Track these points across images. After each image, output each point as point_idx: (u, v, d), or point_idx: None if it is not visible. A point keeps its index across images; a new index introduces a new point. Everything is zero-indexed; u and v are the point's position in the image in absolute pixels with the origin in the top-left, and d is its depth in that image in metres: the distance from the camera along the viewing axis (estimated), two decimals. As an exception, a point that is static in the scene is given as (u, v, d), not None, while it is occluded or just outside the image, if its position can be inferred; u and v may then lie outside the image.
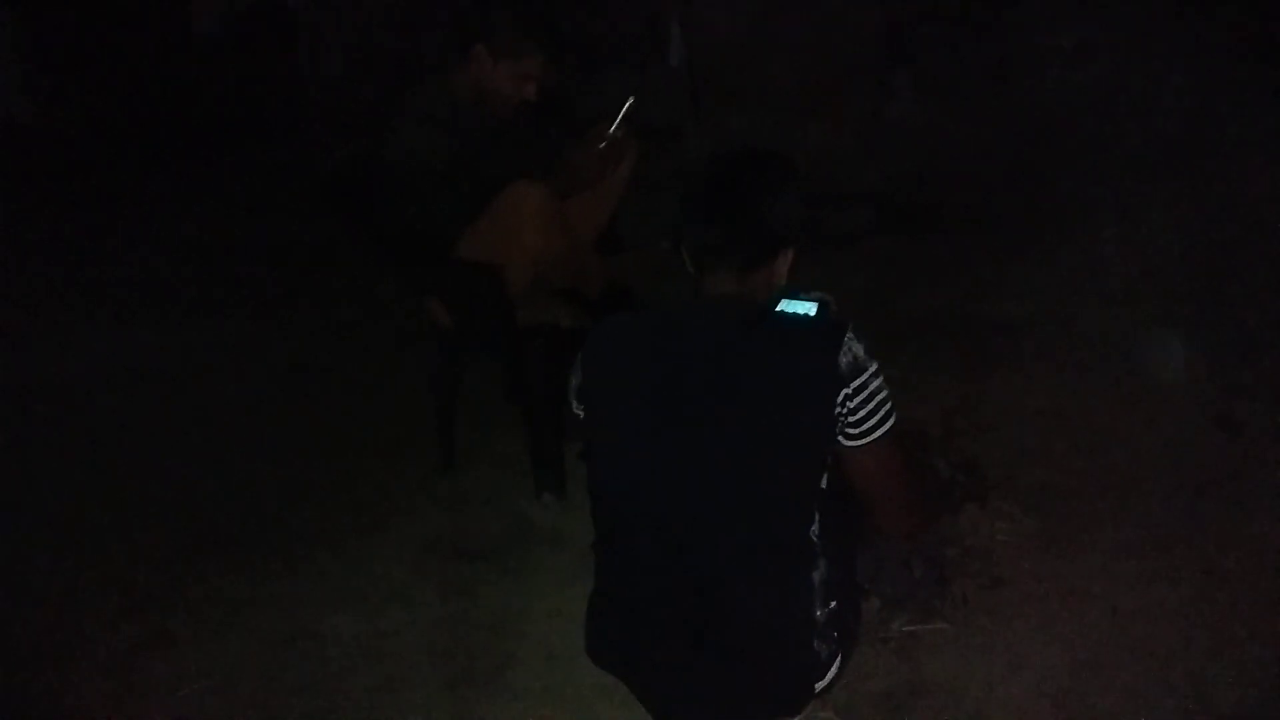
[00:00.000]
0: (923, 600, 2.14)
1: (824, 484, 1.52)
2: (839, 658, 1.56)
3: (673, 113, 4.74)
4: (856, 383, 1.47)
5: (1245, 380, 2.65)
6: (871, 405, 1.48)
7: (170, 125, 4.71)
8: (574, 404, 1.63)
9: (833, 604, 1.53)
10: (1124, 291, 3.10)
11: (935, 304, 3.29)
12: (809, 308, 1.85)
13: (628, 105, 2.35)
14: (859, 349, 1.48)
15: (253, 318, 3.48)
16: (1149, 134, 3.86)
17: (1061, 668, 1.99)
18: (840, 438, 1.50)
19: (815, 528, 1.52)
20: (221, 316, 3.49)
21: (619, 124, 2.36)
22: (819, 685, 1.54)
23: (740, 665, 1.50)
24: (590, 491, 1.60)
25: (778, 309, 1.71)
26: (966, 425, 2.66)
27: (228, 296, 3.61)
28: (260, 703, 2.10)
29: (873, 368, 1.49)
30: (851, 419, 1.48)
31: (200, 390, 3.10)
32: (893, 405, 1.52)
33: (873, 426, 1.49)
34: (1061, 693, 1.94)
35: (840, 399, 1.46)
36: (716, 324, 1.52)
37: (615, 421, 1.55)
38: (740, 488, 1.46)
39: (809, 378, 1.46)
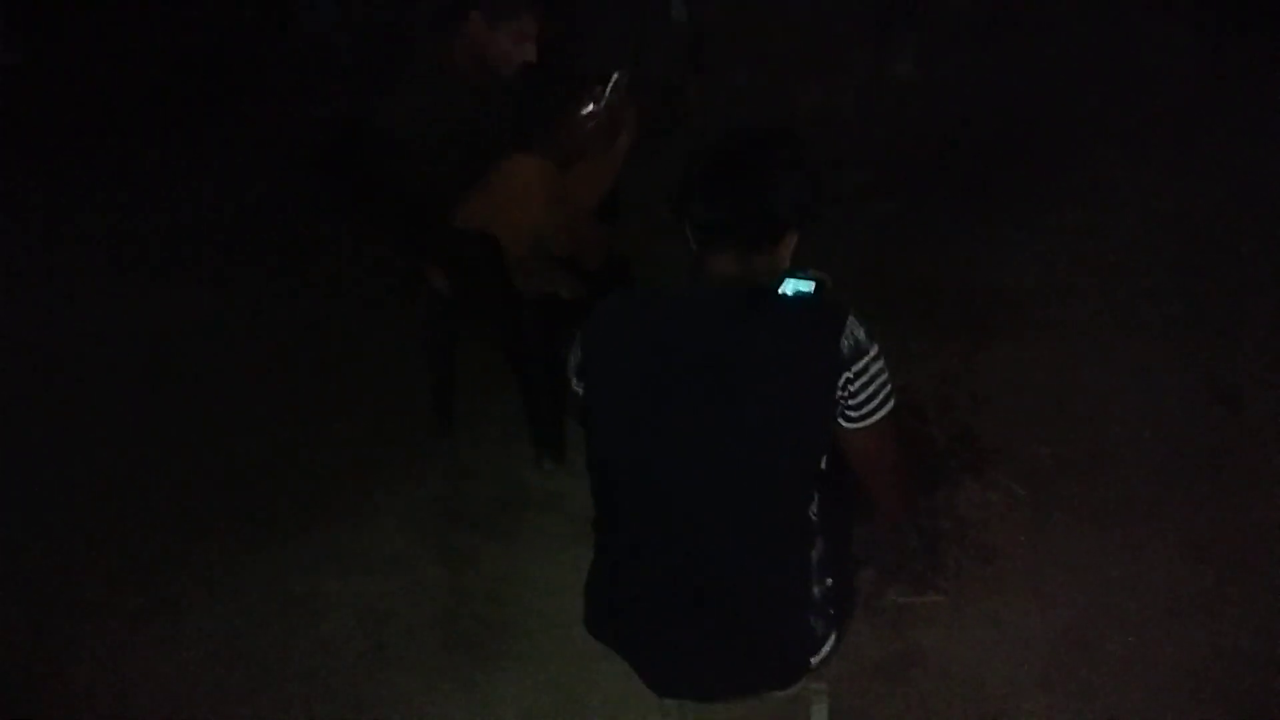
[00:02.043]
0: (917, 572, 2.17)
1: (823, 465, 1.53)
2: (834, 632, 1.58)
3: (675, 68, 4.68)
4: (858, 366, 1.47)
5: (1246, 354, 2.65)
6: (872, 388, 1.49)
7: (163, 79, 4.63)
8: (574, 381, 1.63)
9: (829, 580, 1.55)
10: (1125, 261, 3.09)
11: (934, 270, 3.28)
12: (806, 286, 1.86)
13: (614, 79, 2.30)
14: (860, 333, 1.48)
15: (250, 280, 3.45)
16: (1156, 97, 3.82)
17: (1051, 639, 2.02)
18: (840, 420, 1.50)
19: (814, 506, 1.53)
20: (218, 279, 3.46)
21: (608, 97, 2.31)
22: (814, 660, 1.56)
23: (737, 640, 1.52)
24: (590, 468, 1.61)
25: (780, 291, 1.72)
26: (963, 395, 2.67)
27: (223, 257, 3.57)
28: (260, 665, 2.13)
29: (873, 351, 1.49)
30: (852, 402, 1.48)
31: (197, 355, 3.08)
32: (892, 388, 1.53)
33: (873, 409, 1.50)
34: (1050, 664, 1.97)
35: (842, 382, 1.47)
36: (718, 306, 1.51)
37: (616, 399, 1.55)
38: (741, 468, 1.46)
39: (811, 361, 1.46)
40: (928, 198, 3.65)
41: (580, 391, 1.61)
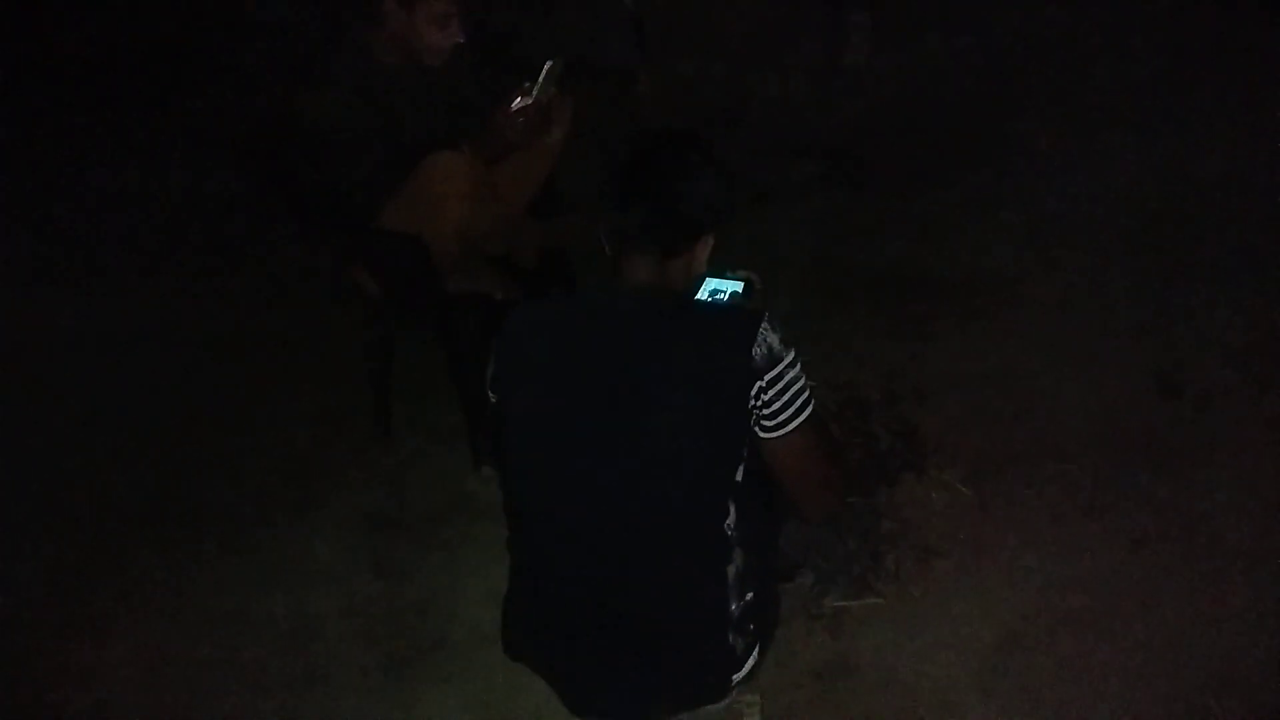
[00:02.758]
0: (855, 575, 2.14)
1: (739, 476, 1.49)
2: (757, 648, 1.55)
3: (626, 55, 4.60)
4: (771, 374, 1.43)
5: (1191, 342, 2.63)
6: (787, 396, 1.45)
7: (106, 63, 4.42)
8: (490, 393, 1.59)
9: (749, 595, 1.52)
10: (1071, 248, 3.06)
11: (882, 261, 3.24)
12: (734, 286, 1.81)
13: (548, 67, 2.22)
14: (774, 340, 1.44)
15: (186, 278, 3.35)
16: (1110, 80, 3.78)
17: (991, 641, 2.00)
18: (756, 429, 1.47)
19: (730, 520, 1.49)
20: (152, 277, 3.35)
21: (541, 86, 2.24)
22: (736, 677, 1.53)
23: (655, 661, 1.49)
24: (501, 485, 1.56)
25: (698, 295, 1.68)
26: (908, 390, 2.63)
27: (158, 254, 3.46)
28: (190, 688, 2.08)
29: (788, 358, 1.45)
30: (766, 411, 1.45)
31: (129, 358, 2.98)
32: (810, 394, 1.49)
33: (789, 418, 1.46)
34: (989, 667, 1.95)
35: (754, 391, 1.43)
36: (632, 314, 1.48)
37: (527, 413, 1.51)
38: (652, 483, 1.42)
39: (722, 371, 1.42)
40: (879, 186, 3.61)
41: (494, 402, 1.57)
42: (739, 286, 1.80)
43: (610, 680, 1.51)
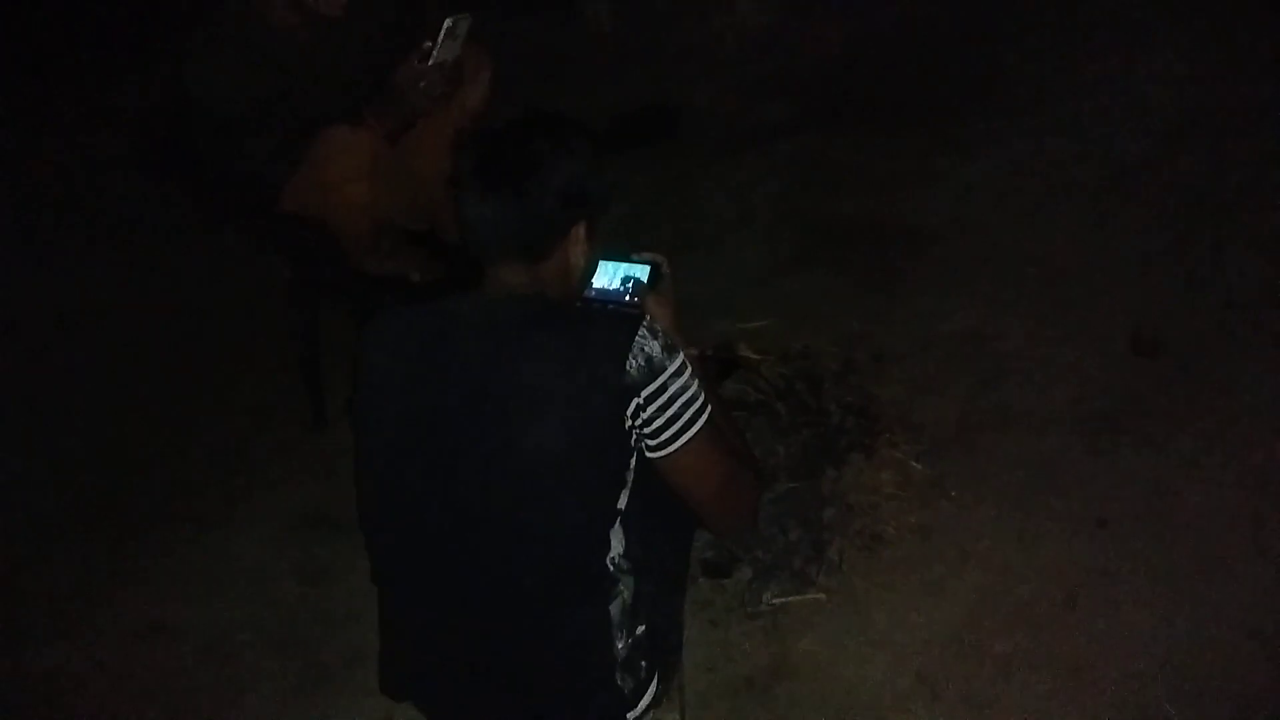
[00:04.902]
0: (796, 568, 2.01)
1: (622, 504, 1.35)
2: (653, 682, 1.42)
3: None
4: (649, 389, 1.28)
5: (1171, 299, 2.42)
6: (671, 411, 1.30)
7: (53, 29, 4.23)
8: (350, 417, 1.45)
9: (640, 629, 1.39)
10: (1058, 195, 2.83)
11: (851, 211, 3.04)
12: (638, 272, 1.65)
13: (447, 25, 2.02)
14: (654, 347, 1.29)
15: (114, 260, 3.19)
16: (1113, 5, 3.48)
17: (936, 639, 1.87)
18: (642, 449, 1.33)
19: (615, 553, 1.36)
20: (80, 260, 3.20)
21: (442, 45, 2.04)
22: (632, 715, 1.41)
23: (536, 707, 1.37)
24: (360, 518, 1.44)
25: (594, 283, 1.53)
26: (866, 357, 2.47)
27: (69, 239, 3.30)
28: (106, 705, 2.01)
29: (672, 367, 1.30)
30: (648, 430, 1.30)
31: (41, 351, 2.85)
32: (703, 403, 1.35)
33: (676, 433, 1.32)
34: (933, 667, 1.82)
35: (630, 410, 1.28)
36: (494, 326, 1.32)
37: (382, 443, 1.37)
38: (519, 522, 1.29)
39: (592, 390, 1.27)
40: (854, 128, 3.37)
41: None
42: (643, 272, 1.64)
43: (493, 721, 1.40)
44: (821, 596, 1.97)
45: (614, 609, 1.35)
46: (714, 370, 2.33)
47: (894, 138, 3.26)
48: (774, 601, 1.97)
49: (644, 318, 1.32)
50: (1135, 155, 2.83)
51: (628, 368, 1.27)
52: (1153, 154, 2.81)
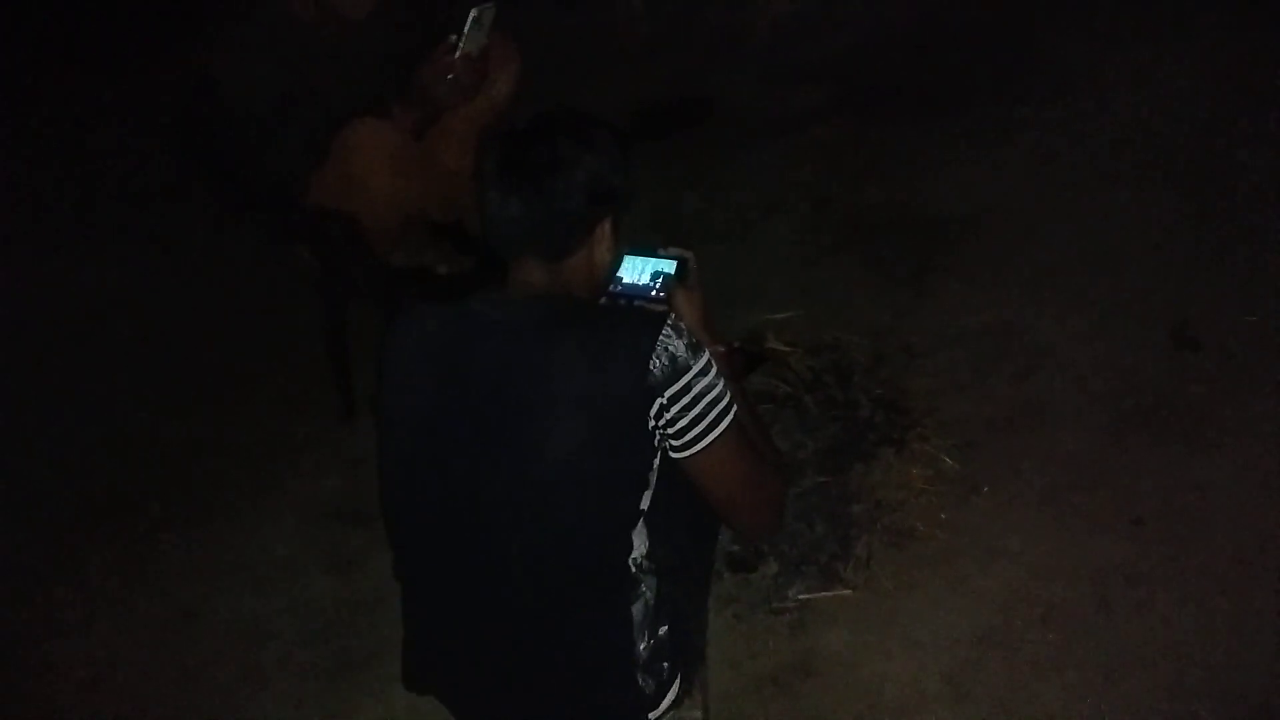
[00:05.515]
0: (823, 563, 1.99)
1: (645, 504, 1.34)
2: (675, 682, 1.41)
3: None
4: (673, 389, 1.27)
5: (1216, 291, 2.35)
6: (696, 411, 1.29)
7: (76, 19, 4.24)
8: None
9: (662, 630, 1.38)
10: (1094, 184, 2.76)
11: (883, 200, 2.99)
12: (665, 267, 1.63)
13: (473, 16, 2.01)
14: (678, 347, 1.27)
15: (144, 254, 3.21)
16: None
17: (965, 639, 1.84)
18: (666, 450, 1.31)
19: (638, 554, 1.35)
20: (110, 251, 3.22)
21: (468, 38, 2.03)
22: (654, 715, 1.40)
23: (559, 706, 1.37)
24: (383, 516, 1.44)
25: (619, 277, 1.50)
26: (896, 350, 2.43)
27: (117, 227, 3.33)
28: (131, 695, 2.04)
29: (697, 366, 1.28)
30: (672, 430, 1.29)
31: (87, 337, 2.89)
32: (729, 402, 1.33)
33: (700, 434, 1.30)
34: (961, 667, 1.80)
35: (654, 411, 1.27)
36: (518, 327, 1.31)
37: (405, 441, 1.37)
38: (540, 522, 1.28)
39: (615, 390, 1.26)
40: (887, 115, 3.31)
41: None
42: (670, 267, 1.62)
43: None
44: (848, 593, 1.95)
45: (636, 610, 1.34)
46: (741, 363, 2.31)
47: (925, 126, 3.21)
48: (800, 597, 1.95)
49: (668, 316, 1.30)
50: (1174, 145, 2.75)
51: (651, 367, 1.25)
52: (1192, 144, 2.74)
